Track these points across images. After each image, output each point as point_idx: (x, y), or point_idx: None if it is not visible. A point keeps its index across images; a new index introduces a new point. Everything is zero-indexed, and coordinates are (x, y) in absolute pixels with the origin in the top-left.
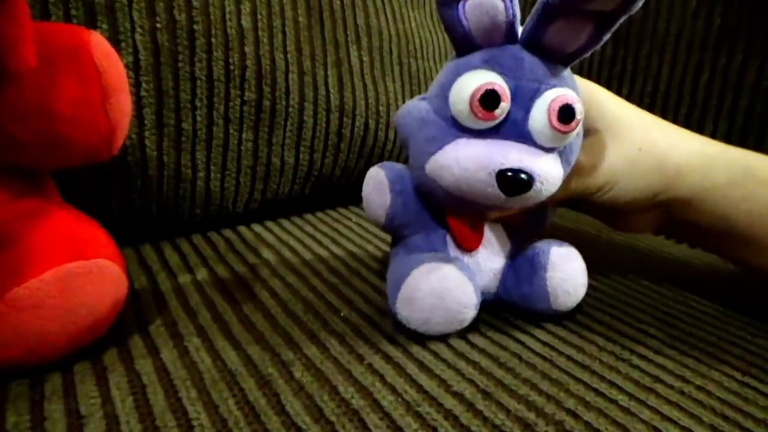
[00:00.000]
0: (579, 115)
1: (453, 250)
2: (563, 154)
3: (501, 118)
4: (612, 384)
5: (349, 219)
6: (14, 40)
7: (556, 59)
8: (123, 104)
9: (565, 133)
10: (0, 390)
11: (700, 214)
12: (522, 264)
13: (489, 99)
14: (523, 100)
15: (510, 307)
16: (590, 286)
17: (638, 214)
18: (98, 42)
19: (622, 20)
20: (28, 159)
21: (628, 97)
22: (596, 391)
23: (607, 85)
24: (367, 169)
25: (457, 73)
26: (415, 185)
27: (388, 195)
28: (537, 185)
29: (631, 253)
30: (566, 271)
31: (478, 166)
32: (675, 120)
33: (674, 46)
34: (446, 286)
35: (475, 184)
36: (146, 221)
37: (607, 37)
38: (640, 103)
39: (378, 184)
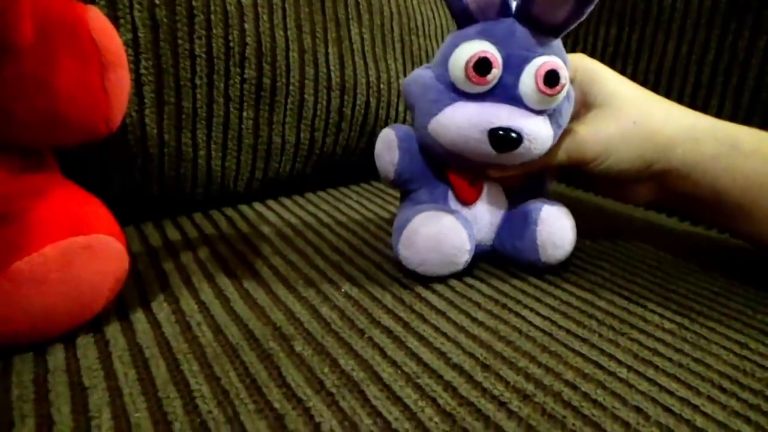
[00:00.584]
0: (563, 80)
1: (453, 203)
2: (553, 117)
3: (493, 83)
4: (611, 357)
5: (350, 198)
6: (12, 16)
7: (546, 31)
8: (122, 80)
9: (551, 95)
10: (4, 364)
11: (690, 185)
12: (516, 219)
13: (482, 66)
14: (514, 66)
15: (504, 259)
16: (592, 263)
17: (634, 184)
18: (96, 17)
19: None
20: (26, 136)
21: (633, 76)
22: (595, 363)
23: (611, 64)
24: (368, 148)
25: (455, 44)
26: (419, 144)
27: (396, 152)
28: (525, 143)
29: (633, 231)
30: (555, 227)
31: (472, 125)
32: (680, 99)
33: (680, 24)
34: (442, 231)
35: (469, 141)
36: (147, 200)
37: (588, 10)
38: (644, 82)
39: (388, 142)
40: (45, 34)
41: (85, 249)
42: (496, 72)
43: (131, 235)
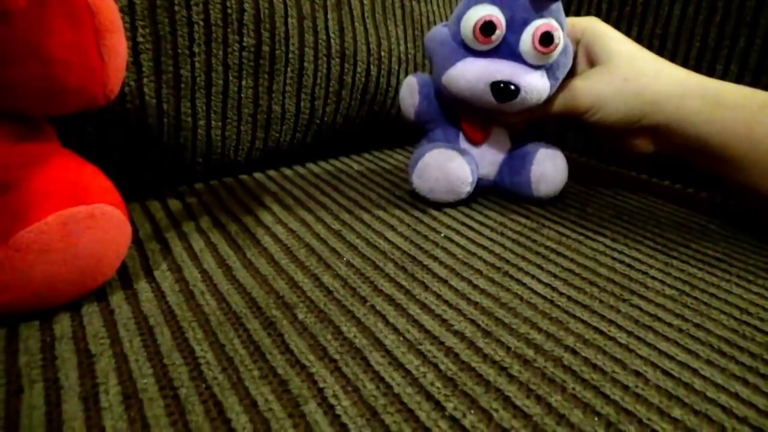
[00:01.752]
0: (557, 40)
1: (463, 143)
2: (550, 71)
3: (497, 42)
4: (611, 322)
5: (351, 167)
6: None
7: None
8: (118, 45)
9: (546, 53)
10: (10, 332)
11: (679, 139)
12: (516, 158)
13: (487, 27)
14: (516, 27)
15: (503, 192)
16: (594, 231)
17: (631, 137)
18: None
19: None
20: (22, 104)
21: (638, 39)
22: (595, 329)
23: (616, 26)
24: (369, 116)
25: (468, 6)
26: (436, 91)
27: (417, 97)
28: (522, 94)
29: (635, 199)
30: (547, 166)
31: (478, 79)
32: (685, 61)
33: None
34: (449, 164)
35: (475, 92)
36: (147, 171)
37: None
38: (649, 46)
39: (410, 88)
40: None
41: (87, 218)
42: (499, 33)
43: (132, 206)
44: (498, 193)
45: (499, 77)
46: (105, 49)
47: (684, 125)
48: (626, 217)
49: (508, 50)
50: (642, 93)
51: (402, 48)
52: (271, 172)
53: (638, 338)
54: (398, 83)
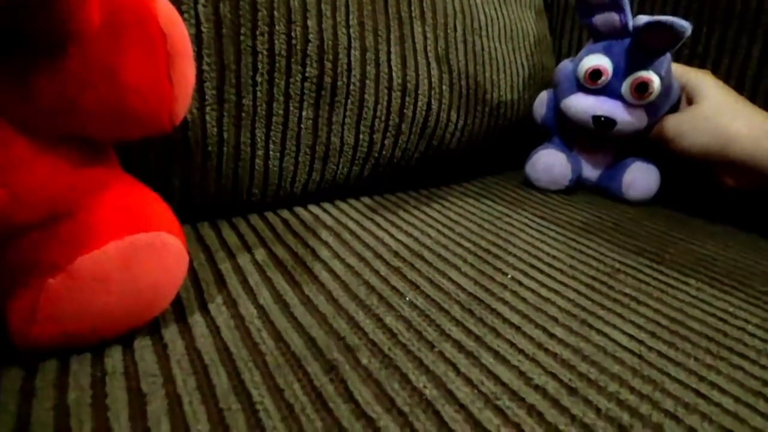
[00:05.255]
0: (650, 89)
1: (575, 150)
2: (651, 109)
3: (603, 84)
4: (713, 385)
5: (408, 203)
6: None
7: (651, 52)
8: (187, 71)
9: (640, 99)
10: (61, 364)
11: (756, 176)
12: (616, 167)
13: (595, 74)
14: (621, 75)
15: (600, 191)
16: (677, 279)
17: (716, 170)
18: (164, 6)
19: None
20: (92, 128)
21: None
22: (696, 391)
23: (688, 65)
24: (428, 152)
25: (586, 53)
26: (558, 108)
27: (545, 108)
28: (618, 126)
29: (714, 247)
30: (637, 175)
31: (584, 111)
32: (765, 107)
33: (767, 26)
34: (554, 162)
35: (580, 121)
36: (204, 199)
37: (682, 40)
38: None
39: (542, 100)
40: (112, 21)
41: (146, 247)
42: (604, 79)
43: (188, 234)
44: (599, 192)
45: (599, 113)
46: (175, 74)
47: (756, 164)
48: (709, 265)
49: (612, 91)
50: (718, 130)
51: (463, 83)
52: (327, 205)
53: (747, 405)
54: (458, 118)
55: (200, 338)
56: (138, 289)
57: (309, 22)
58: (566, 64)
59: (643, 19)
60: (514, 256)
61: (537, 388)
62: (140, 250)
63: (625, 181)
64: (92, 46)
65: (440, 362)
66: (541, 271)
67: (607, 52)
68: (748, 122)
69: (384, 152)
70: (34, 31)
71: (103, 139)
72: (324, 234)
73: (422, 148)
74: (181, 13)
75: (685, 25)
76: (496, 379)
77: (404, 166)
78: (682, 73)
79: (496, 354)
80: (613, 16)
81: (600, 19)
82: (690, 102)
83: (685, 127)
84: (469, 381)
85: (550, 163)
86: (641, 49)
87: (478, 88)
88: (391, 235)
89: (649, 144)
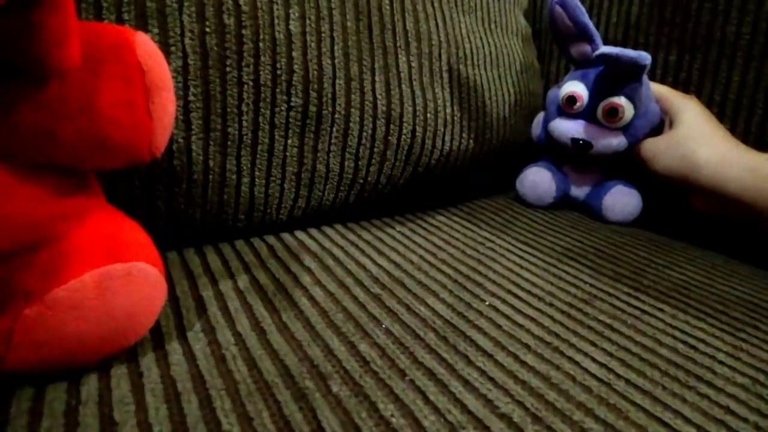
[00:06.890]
0: (620, 114)
1: (565, 169)
2: (626, 132)
3: (579, 110)
4: (677, 413)
5: (393, 228)
6: (60, 37)
7: (624, 77)
8: (166, 103)
9: (611, 122)
10: (37, 392)
11: (721, 200)
12: (600, 187)
13: (571, 100)
14: (595, 100)
15: (583, 209)
16: (652, 305)
17: (690, 194)
18: (143, 41)
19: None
20: (69, 158)
21: None
22: (659, 420)
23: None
24: (413, 178)
25: (566, 80)
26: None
27: (539, 128)
28: (595, 148)
29: (694, 273)
30: (618, 198)
31: (563, 134)
32: (746, 131)
33: (746, 51)
34: (540, 180)
35: (561, 143)
36: (190, 226)
37: (642, 73)
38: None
39: (538, 120)
40: (92, 56)
41: (123, 276)
42: (579, 105)
43: (173, 260)
44: (585, 211)
45: (576, 136)
46: (153, 105)
47: (723, 190)
48: (685, 291)
49: (588, 115)
50: (687, 156)
51: (448, 110)
52: (313, 231)
53: None
54: (443, 145)
55: (175, 366)
56: (114, 318)
57: (294, 54)
58: (553, 90)
59: (602, 50)
60: (494, 282)
61: (502, 416)
62: (116, 280)
63: (605, 204)
64: (71, 78)
65: (410, 390)
66: (519, 298)
67: (583, 78)
68: (715, 150)
69: (369, 179)
70: (16, 64)
71: (83, 168)
72: (307, 260)
73: (408, 175)
74: (169, 46)
75: (635, 56)
76: (463, 407)
77: (390, 192)
78: (667, 96)
79: (466, 382)
80: (585, 47)
81: (574, 50)
82: (671, 126)
83: (660, 150)
84: (436, 409)
85: (537, 181)
86: (612, 76)
87: (463, 114)
88: (374, 261)
89: (635, 165)
